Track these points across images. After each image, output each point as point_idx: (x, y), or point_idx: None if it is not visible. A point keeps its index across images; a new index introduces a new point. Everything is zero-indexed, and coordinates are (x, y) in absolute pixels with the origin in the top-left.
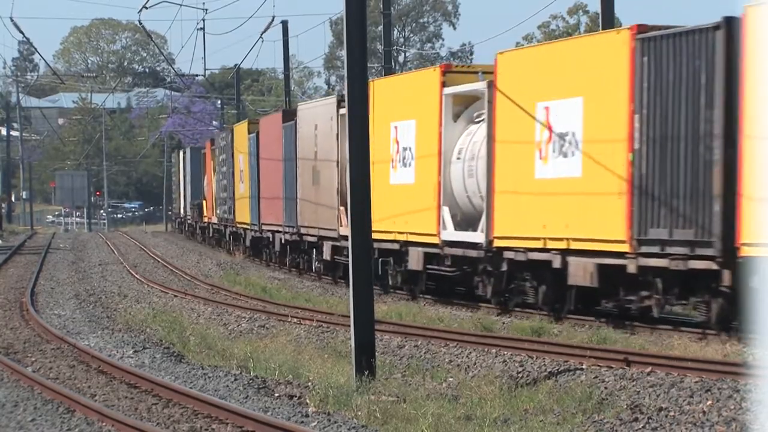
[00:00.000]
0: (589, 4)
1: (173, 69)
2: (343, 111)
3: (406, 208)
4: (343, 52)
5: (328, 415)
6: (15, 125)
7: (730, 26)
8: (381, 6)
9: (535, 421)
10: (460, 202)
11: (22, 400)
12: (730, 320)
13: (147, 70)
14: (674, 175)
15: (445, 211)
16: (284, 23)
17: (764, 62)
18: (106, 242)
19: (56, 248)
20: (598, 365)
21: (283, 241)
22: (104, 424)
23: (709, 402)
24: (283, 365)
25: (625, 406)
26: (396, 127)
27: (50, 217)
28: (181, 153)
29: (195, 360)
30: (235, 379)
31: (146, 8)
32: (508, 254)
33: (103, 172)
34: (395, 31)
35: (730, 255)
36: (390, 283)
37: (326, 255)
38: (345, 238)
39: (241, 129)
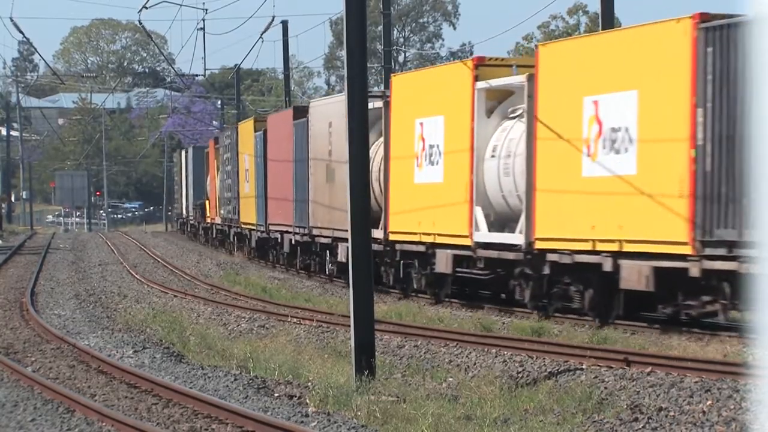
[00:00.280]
0: (589, 4)
1: (173, 69)
2: None
3: (434, 209)
4: (343, 53)
5: (328, 415)
6: (15, 125)
7: None
8: (381, 6)
9: (535, 421)
10: (493, 202)
11: (22, 400)
12: None
13: (147, 70)
14: (743, 172)
15: (478, 212)
16: (284, 23)
17: None
18: (106, 242)
19: (56, 248)
20: (598, 365)
21: (293, 242)
22: (104, 424)
23: (709, 402)
24: (282, 365)
25: (625, 406)
26: (421, 124)
27: (50, 217)
28: (183, 152)
29: (195, 360)
30: (235, 379)
31: (146, 8)
32: (551, 256)
33: (103, 172)
34: (395, 31)
35: None
36: (415, 286)
37: (341, 257)
38: None
39: (246, 127)
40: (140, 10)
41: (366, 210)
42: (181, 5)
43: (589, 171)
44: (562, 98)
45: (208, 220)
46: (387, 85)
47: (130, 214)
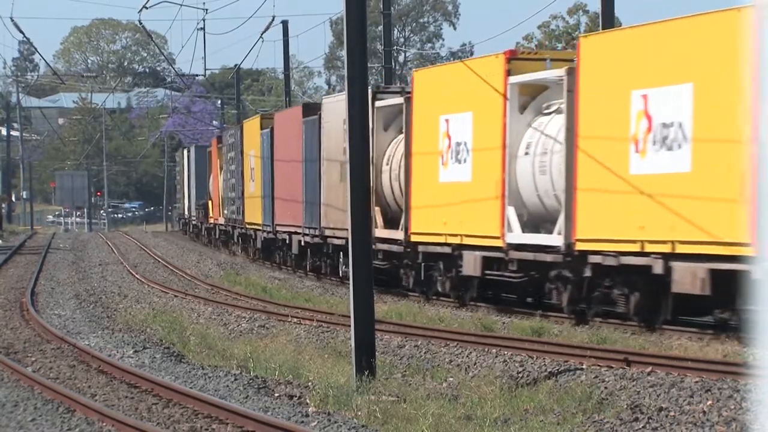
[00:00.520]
0: (589, 4)
1: (173, 69)
2: (379, 103)
3: (461, 208)
4: (344, 52)
5: (329, 415)
6: (15, 125)
7: None
8: (381, 6)
9: (535, 421)
10: (527, 202)
11: (23, 399)
12: None
13: (147, 70)
14: None
15: (511, 211)
16: (284, 23)
17: None
18: (106, 242)
19: (56, 248)
20: (599, 365)
21: (302, 244)
22: (104, 424)
23: (710, 402)
24: (283, 365)
25: (626, 406)
26: (447, 120)
27: (50, 217)
28: (185, 152)
29: (195, 360)
30: (235, 379)
31: (146, 8)
32: (593, 258)
33: (103, 172)
34: (395, 31)
35: None
36: (439, 289)
37: None
38: (381, 240)
39: (252, 125)
40: (140, 10)
41: (366, 209)
42: (181, 5)
43: (638, 169)
44: (607, 92)
45: (211, 221)
46: (389, 82)
47: (130, 214)
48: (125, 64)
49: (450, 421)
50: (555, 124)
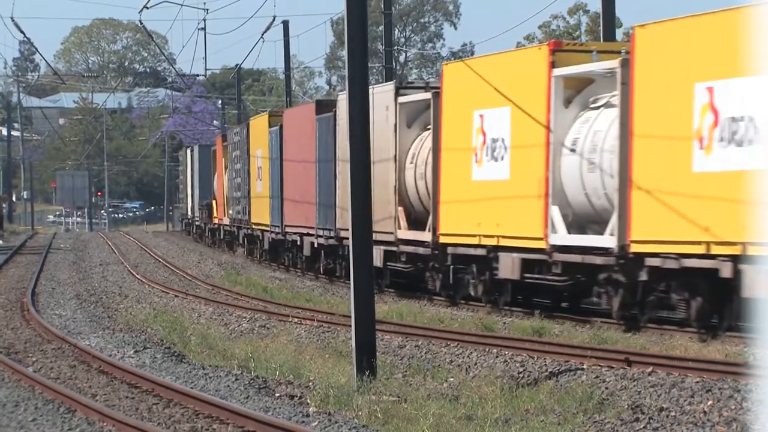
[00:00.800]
0: (590, 3)
1: (174, 69)
2: (403, 99)
3: (498, 208)
4: (345, 52)
5: (329, 415)
6: (16, 125)
7: None
8: (382, 6)
9: (536, 422)
10: (572, 201)
11: (23, 400)
12: None
13: (148, 70)
14: None
15: (555, 211)
16: (285, 23)
17: None
18: (106, 242)
19: (57, 248)
20: (599, 365)
21: (315, 245)
22: (105, 424)
23: (710, 402)
24: (283, 365)
25: (626, 406)
26: (481, 116)
27: (51, 217)
28: (189, 151)
29: (196, 360)
30: (236, 379)
31: (147, 8)
32: (651, 261)
33: (104, 172)
34: (396, 31)
35: None
36: (471, 293)
37: (377, 261)
38: (405, 242)
39: (259, 123)
40: (141, 10)
41: (367, 208)
42: (181, 5)
43: (702, 166)
44: (667, 85)
45: (215, 221)
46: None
47: (131, 214)
48: (126, 64)
49: (451, 421)
50: (605, 119)
